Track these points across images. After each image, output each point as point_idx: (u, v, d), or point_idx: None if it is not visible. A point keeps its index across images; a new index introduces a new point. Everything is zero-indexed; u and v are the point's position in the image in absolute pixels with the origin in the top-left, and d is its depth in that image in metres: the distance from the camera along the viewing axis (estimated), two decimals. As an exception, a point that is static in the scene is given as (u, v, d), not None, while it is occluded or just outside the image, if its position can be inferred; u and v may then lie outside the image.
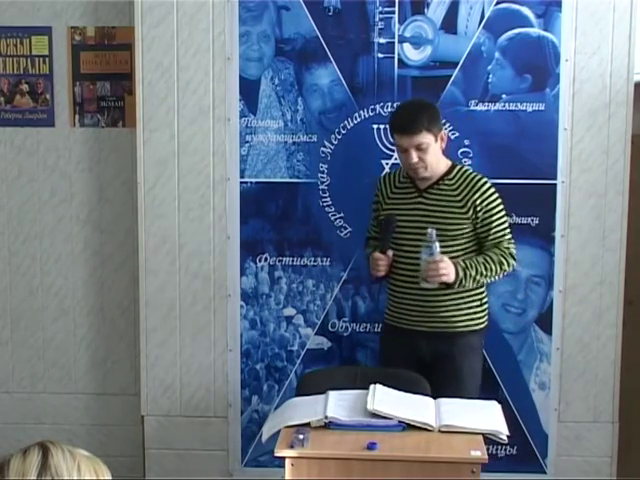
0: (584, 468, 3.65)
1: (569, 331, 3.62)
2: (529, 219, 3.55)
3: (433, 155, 3.12)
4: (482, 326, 3.27)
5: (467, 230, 3.17)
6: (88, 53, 3.81)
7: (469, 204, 3.15)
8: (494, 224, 3.18)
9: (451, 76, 3.52)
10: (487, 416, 2.77)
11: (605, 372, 3.62)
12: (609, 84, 3.49)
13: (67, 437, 3.84)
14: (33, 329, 3.96)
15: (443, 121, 3.26)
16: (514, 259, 3.20)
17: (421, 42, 3.52)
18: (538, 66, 3.50)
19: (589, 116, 3.51)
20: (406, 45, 3.53)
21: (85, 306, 3.94)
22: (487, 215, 3.16)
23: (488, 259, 3.14)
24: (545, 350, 3.63)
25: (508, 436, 2.72)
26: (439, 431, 2.63)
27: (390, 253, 3.20)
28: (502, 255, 3.16)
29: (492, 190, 3.19)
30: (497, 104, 3.52)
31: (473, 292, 3.21)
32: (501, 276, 3.20)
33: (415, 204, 3.21)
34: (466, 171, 3.23)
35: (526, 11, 3.48)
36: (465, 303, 3.21)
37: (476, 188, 3.16)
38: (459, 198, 3.16)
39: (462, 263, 3.10)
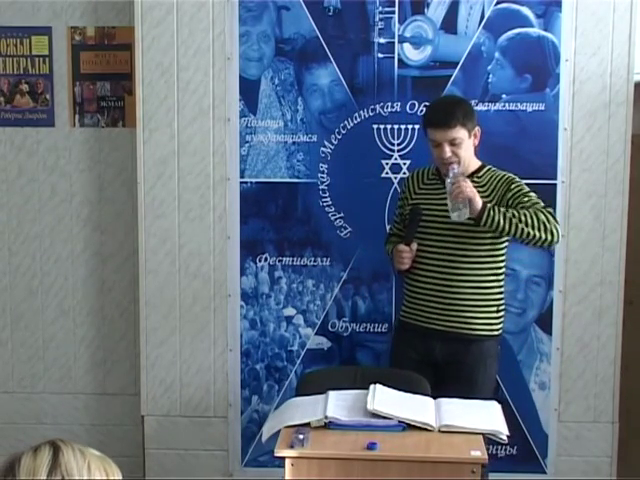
0: (584, 468, 3.66)
1: (569, 331, 3.62)
2: (529, 219, 3.54)
3: (466, 151, 3.10)
4: (497, 333, 3.21)
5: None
6: (88, 53, 3.81)
7: (496, 199, 3.10)
8: (521, 197, 3.07)
9: (451, 76, 3.52)
10: (487, 416, 2.77)
11: (605, 372, 3.62)
12: (609, 84, 3.49)
13: (67, 437, 3.83)
14: (33, 329, 3.96)
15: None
16: (556, 221, 3.03)
17: (421, 42, 3.52)
18: (538, 66, 3.51)
19: (589, 116, 3.51)
20: (406, 45, 3.53)
21: (85, 306, 3.94)
22: (513, 195, 3.08)
23: (521, 210, 3.01)
24: (545, 350, 3.63)
25: (508, 436, 2.72)
26: (439, 431, 2.63)
27: (414, 246, 3.17)
28: (539, 210, 3.02)
29: (518, 181, 3.14)
30: (497, 104, 3.53)
31: (491, 296, 3.16)
32: (542, 233, 2.98)
33: (443, 199, 3.12)
34: (495, 171, 3.20)
35: (526, 11, 3.48)
36: (483, 306, 3.15)
37: (502, 182, 3.13)
38: (487, 194, 3.11)
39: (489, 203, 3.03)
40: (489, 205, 2.99)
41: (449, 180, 3.01)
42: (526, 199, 3.07)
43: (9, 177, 3.89)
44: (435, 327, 3.17)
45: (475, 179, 3.14)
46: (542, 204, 3.07)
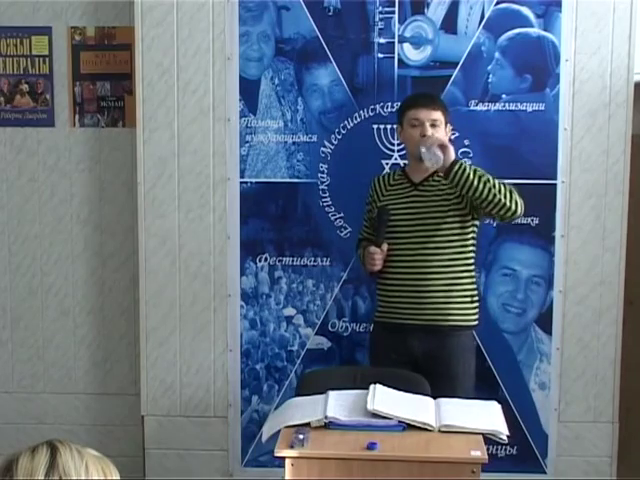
0: (584, 468, 3.65)
1: (569, 331, 3.62)
2: (529, 219, 3.55)
3: (442, 135, 3.17)
4: (473, 323, 3.26)
5: (464, 220, 3.19)
6: (88, 53, 3.81)
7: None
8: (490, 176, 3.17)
9: (451, 76, 3.52)
10: (487, 416, 2.77)
11: (605, 372, 3.62)
12: (609, 84, 3.49)
13: (67, 437, 3.83)
14: (33, 329, 3.96)
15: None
16: (519, 195, 3.13)
17: (421, 42, 3.52)
18: (538, 66, 3.50)
19: (589, 116, 3.51)
20: (406, 45, 3.53)
21: (85, 306, 3.94)
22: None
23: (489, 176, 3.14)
24: (545, 350, 3.63)
25: (508, 436, 2.72)
26: (439, 431, 2.63)
27: (385, 247, 3.21)
28: (504, 185, 3.13)
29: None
30: (497, 104, 3.53)
31: (464, 287, 3.21)
32: (507, 201, 3.09)
33: (410, 197, 3.24)
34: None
35: (526, 11, 3.48)
36: (456, 297, 3.20)
37: None
38: (453, 189, 3.17)
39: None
40: (461, 158, 3.12)
41: (423, 150, 3.10)
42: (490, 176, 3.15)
43: (9, 177, 3.89)
44: (411, 322, 3.21)
45: (437, 177, 3.22)
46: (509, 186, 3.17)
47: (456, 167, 3.07)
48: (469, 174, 3.07)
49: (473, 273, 3.27)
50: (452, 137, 3.28)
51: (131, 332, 3.90)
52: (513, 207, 3.10)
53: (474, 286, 3.27)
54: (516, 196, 3.11)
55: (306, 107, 3.58)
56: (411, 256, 3.19)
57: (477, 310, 3.29)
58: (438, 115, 3.17)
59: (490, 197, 3.08)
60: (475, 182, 3.07)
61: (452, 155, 3.09)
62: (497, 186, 3.09)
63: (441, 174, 3.18)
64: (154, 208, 3.65)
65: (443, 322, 3.19)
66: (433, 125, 3.15)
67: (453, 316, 3.20)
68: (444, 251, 3.18)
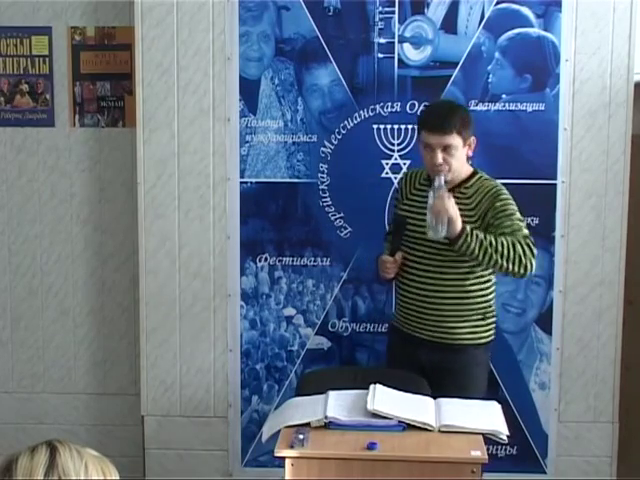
0: (584, 468, 3.66)
1: (569, 331, 3.62)
2: (529, 219, 3.54)
3: (458, 160, 3.01)
4: (484, 341, 3.13)
5: None
6: (88, 53, 3.81)
7: (480, 213, 3.02)
8: (504, 220, 2.98)
9: (451, 76, 3.52)
10: (487, 416, 2.77)
11: (605, 372, 3.62)
12: (609, 84, 3.50)
13: (67, 437, 3.82)
14: (33, 329, 3.96)
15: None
16: (532, 255, 2.93)
17: (421, 42, 3.52)
18: (538, 66, 3.51)
19: (589, 116, 3.51)
20: (406, 45, 3.53)
21: (85, 306, 3.94)
22: (496, 213, 3.00)
23: (500, 237, 2.92)
24: (545, 350, 3.63)
25: (508, 436, 2.72)
26: (439, 431, 2.63)
27: (399, 256, 3.13)
28: (518, 241, 2.92)
29: (504, 196, 3.04)
30: (497, 104, 3.53)
31: (475, 305, 3.10)
32: (515, 267, 2.91)
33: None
34: (484, 181, 3.10)
35: (526, 11, 3.48)
36: (466, 315, 3.10)
37: (488, 196, 3.04)
38: (472, 207, 3.04)
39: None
40: (468, 229, 2.89)
41: (432, 193, 2.91)
42: (507, 223, 2.97)
43: (9, 177, 3.89)
44: (419, 335, 3.14)
45: (463, 190, 3.07)
46: (524, 232, 2.97)
47: (460, 241, 2.88)
48: (473, 249, 2.88)
49: (489, 290, 3.13)
50: (474, 146, 3.09)
51: (131, 332, 3.90)
52: (521, 272, 2.93)
53: (488, 303, 3.14)
54: (528, 259, 2.91)
55: (306, 107, 3.58)
56: (423, 270, 3.09)
57: (491, 327, 3.16)
58: (452, 140, 2.97)
59: (496, 267, 2.94)
60: (480, 256, 2.90)
61: (458, 227, 2.87)
62: (506, 253, 2.89)
63: (464, 189, 3.07)
64: (154, 208, 3.65)
65: (452, 341, 3.10)
66: (445, 150, 2.97)
67: (463, 334, 3.10)
68: (456, 267, 3.06)
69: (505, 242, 2.91)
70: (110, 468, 1.42)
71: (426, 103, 3.44)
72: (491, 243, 2.90)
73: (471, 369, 3.11)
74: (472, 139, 3.06)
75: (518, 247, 2.91)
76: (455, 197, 3.00)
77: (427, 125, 3.01)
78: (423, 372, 3.11)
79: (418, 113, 3.49)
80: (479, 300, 3.11)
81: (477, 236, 2.90)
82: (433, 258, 3.08)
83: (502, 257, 2.90)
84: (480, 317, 3.12)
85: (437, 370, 3.09)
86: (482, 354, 3.15)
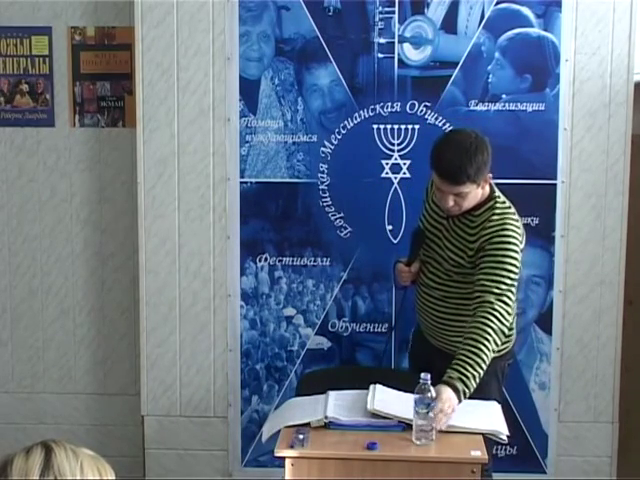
0: (584, 468, 3.66)
1: (569, 331, 3.62)
2: (529, 219, 3.54)
3: (471, 200, 2.87)
4: (499, 354, 2.94)
5: (469, 272, 2.92)
6: (88, 53, 3.81)
7: (477, 247, 2.88)
8: (488, 263, 2.81)
9: (451, 76, 3.51)
10: (487, 416, 2.77)
11: (605, 372, 3.62)
12: (609, 84, 3.49)
13: (67, 437, 3.80)
14: (33, 329, 3.96)
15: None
16: (503, 317, 2.75)
17: (421, 42, 3.52)
18: (538, 66, 3.50)
19: (589, 116, 3.51)
20: (406, 45, 3.53)
21: (85, 306, 3.94)
22: (486, 259, 2.81)
23: (475, 348, 2.71)
24: (545, 350, 3.63)
25: (508, 436, 2.72)
26: (439, 431, 2.63)
27: (415, 267, 3.09)
28: (486, 324, 2.73)
29: (504, 234, 2.83)
30: (497, 104, 3.53)
31: None
32: (499, 341, 2.78)
33: (440, 225, 3.04)
34: (496, 209, 2.90)
35: (526, 11, 3.48)
36: None
37: (489, 233, 2.86)
38: (473, 239, 2.91)
39: (454, 376, 2.68)
40: (462, 393, 2.66)
41: (426, 409, 2.58)
42: (485, 269, 2.79)
43: (9, 177, 3.89)
44: (432, 342, 3.14)
45: (471, 217, 2.93)
46: (501, 288, 2.76)
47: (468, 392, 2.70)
48: (480, 378, 2.72)
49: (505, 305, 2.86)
50: (490, 180, 2.91)
51: (131, 332, 3.90)
52: (502, 339, 2.80)
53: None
54: (500, 326, 2.74)
55: (306, 107, 3.58)
56: (435, 283, 3.04)
57: (507, 340, 3.00)
58: (463, 189, 2.80)
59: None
60: (484, 368, 2.73)
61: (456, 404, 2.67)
62: (491, 346, 2.72)
63: (473, 217, 2.90)
64: (154, 208, 3.65)
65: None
66: (457, 195, 2.83)
67: None
68: (462, 285, 2.96)
69: (483, 341, 2.71)
70: (106, 467, 1.42)
71: (427, 103, 3.44)
72: (478, 364, 2.70)
73: (482, 378, 2.84)
74: (488, 176, 2.88)
75: (490, 324, 2.73)
76: (463, 222, 2.94)
77: (438, 171, 2.84)
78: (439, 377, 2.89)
79: (420, 113, 3.49)
80: None
81: (471, 386, 2.69)
82: (437, 274, 3.04)
83: (491, 351, 2.73)
84: None
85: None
86: (495, 365, 2.95)
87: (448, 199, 2.85)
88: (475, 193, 2.87)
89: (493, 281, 2.79)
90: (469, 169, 2.77)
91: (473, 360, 2.70)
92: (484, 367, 2.72)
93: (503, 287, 2.79)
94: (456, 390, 2.66)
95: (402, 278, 3.15)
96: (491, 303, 2.76)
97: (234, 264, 3.66)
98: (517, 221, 2.93)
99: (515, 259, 2.82)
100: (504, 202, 2.96)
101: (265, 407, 3.70)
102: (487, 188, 2.91)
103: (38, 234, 3.91)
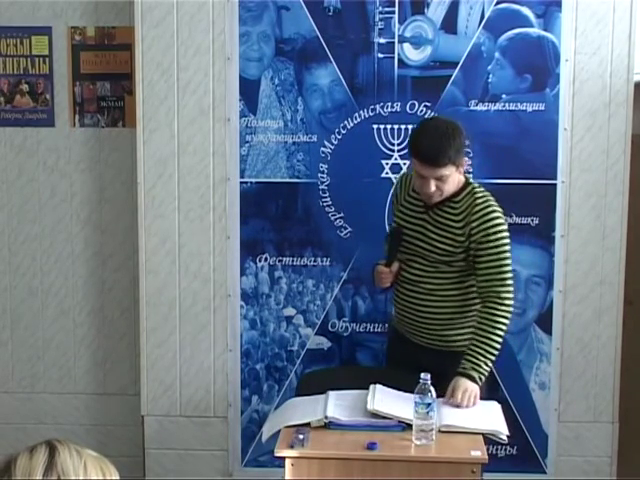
0: (584, 468, 3.66)
1: (569, 331, 3.62)
2: (529, 219, 3.55)
3: (451, 184, 2.95)
4: None
5: (461, 258, 3.00)
6: (88, 53, 3.81)
7: (468, 231, 2.96)
8: (486, 257, 2.94)
9: (451, 76, 3.51)
10: (487, 416, 2.78)
11: (605, 372, 3.62)
12: (609, 84, 3.49)
13: (67, 437, 3.82)
14: (33, 329, 3.96)
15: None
16: (508, 304, 2.95)
17: (421, 42, 3.52)
18: (538, 66, 3.50)
19: (589, 116, 3.51)
20: (406, 45, 3.53)
21: (85, 306, 3.94)
22: (481, 247, 2.94)
23: (484, 336, 2.90)
24: (545, 350, 3.63)
25: (508, 436, 2.72)
26: (439, 431, 2.63)
27: (394, 267, 3.11)
28: (492, 315, 2.92)
29: (495, 220, 2.95)
30: (497, 104, 3.52)
31: (471, 313, 3.07)
32: (507, 321, 2.96)
33: (420, 220, 3.06)
34: (475, 194, 3.00)
35: (526, 11, 3.48)
36: (461, 323, 3.08)
37: (477, 217, 2.95)
38: (461, 224, 2.97)
39: (467, 364, 2.88)
40: (476, 376, 2.86)
41: (426, 409, 2.59)
42: (488, 261, 2.94)
43: (9, 177, 3.89)
44: (418, 342, 3.14)
45: (452, 204, 3.00)
46: (504, 270, 2.95)
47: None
48: (487, 369, 2.91)
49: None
50: (468, 166, 3.03)
51: (131, 332, 3.90)
52: (508, 318, 2.98)
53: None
54: (505, 311, 2.95)
55: (306, 107, 3.58)
56: (416, 281, 3.08)
57: None
58: (445, 171, 2.88)
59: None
60: (498, 350, 2.93)
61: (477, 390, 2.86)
62: (500, 330, 2.92)
63: (454, 203, 3.00)
64: (154, 208, 3.65)
65: (446, 348, 3.08)
66: (439, 179, 2.90)
67: (457, 342, 3.07)
68: (450, 278, 3.03)
69: (491, 324, 2.91)
70: (110, 468, 1.42)
71: (427, 103, 3.44)
72: (490, 345, 2.90)
73: None
74: (464, 160, 2.99)
75: (498, 312, 2.93)
76: (445, 211, 3.01)
77: (419, 156, 2.92)
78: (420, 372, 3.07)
79: (420, 113, 3.49)
80: (475, 307, 3.07)
81: (482, 367, 2.88)
82: (424, 269, 3.07)
83: (500, 337, 2.92)
84: (473, 323, 3.06)
85: (436, 372, 3.05)
86: None
87: (430, 184, 2.92)
88: (454, 177, 2.95)
89: (495, 267, 2.96)
90: (449, 150, 2.88)
91: (483, 349, 2.90)
92: (495, 352, 2.91)
93: (502, 276, 2.97)
94: (472, 378, 2.86)
95: (382, 280, 3.14)
96: (497, 292, 2.96)
97: (234, 264, 3.66)
98: (497, 202, 3.04)
99: (506, 238, 2.99)
100: (480, 186, 3.08)
101: (265, 407, 3.70)
102: (462, 175, 3.01)
103: (38, 234, 3.91)
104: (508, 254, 2.99)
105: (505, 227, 2.99)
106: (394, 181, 3.56)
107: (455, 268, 3.03)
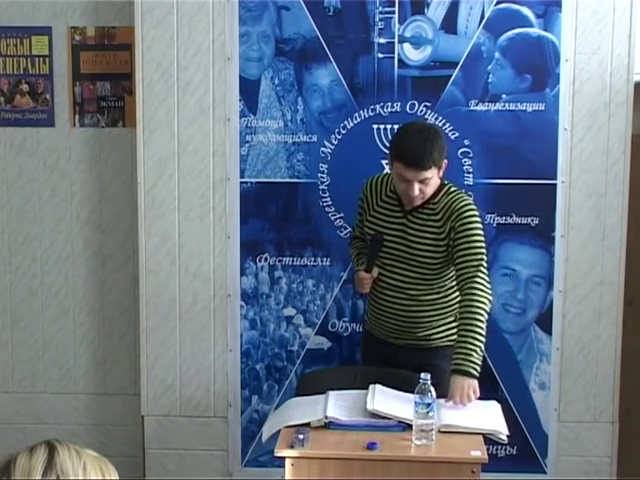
0: (584, 468, 3.66)
1: (569, 331, 3.62)
2: (529, 219, 3.55)
3: (432, 186, 2.99)
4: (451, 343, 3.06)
5: (444, 258, 3.04)
6: (88, 53, 3.81)
7: (447, 230, 3.01)
8: (462, 245, 2.98)
9: (451, 76, 3.51)
10: (487, 416, 2.78)
11: (605, 372, 3.62)
12: (609, 84, 3.49)
13: (67, 437, 3.81)
14: (33, 329, 3.96)
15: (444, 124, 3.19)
16: (485, 289, 2.94)
17: (421, 42, 3.52)
18: (538, 66, 3.50)
19: (589, 116, 3.51)
20: (406, 45, 3.53)
21: (85, 306, 3.94)
22: (459, 236, 2.98)
23: (468, 325, 2.90)
24: (545, 350, 3.63)
25: (508, 436, 2.72)
26: (439, 431, 2.63)
27: (375, 273, 3.13)
28: (472, 302, 2.92)
29: (470, 213, 3.01)
30: (497, 104, 3.52)
31: (450, 308, 3.11)
32: (488, 309, 2.95)
33: (399, 225, 3.09)
34: (451, 193, 3.06)
35: (526, 11, 3.48)
36: (441, 320, 3.12)
37: (454, 215, 3.00)
38: (440, 224, 3.02)
39: (458, 359, 2.86)
40: (472, 370, 2.84)
41: (426, 409, 2.60)
42: (464, 249, 2.96)
43: (9, 177, 3.89)
44: (395, 342, 3.16)
45: (431, 206, 3.04)
46: (479, 257, 2.96)
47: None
48: (481, 353, 2.90)
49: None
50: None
51: (131, 332, 3.90)
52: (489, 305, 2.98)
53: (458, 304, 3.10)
54: (485, 297, 2.93)
55: (306, 107, 3.58)
56: (396, 281, 3.10)
57: None
58: (428, 174, 2.92)
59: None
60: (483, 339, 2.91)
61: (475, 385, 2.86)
62: (482, 317, 2.91)
63: (433, 205, 3.04)
64: (154, 208, 3.65)
65: (426, 344, 3.12)
66: (422, 182, 2.94)
67: (437, 339, 3.12)
68: (429, 278, 3.07)
69: (475, 312, 2.90)
70: (109, 468, 1.42)
71: (427, 103, 3.44)
72: (475, 338, 2.87)
73: (447, 366, 2.98)
74: (445, 162, 3.00)
75: (480, 308, 2.91)
76: (424, 213, 3.05)
77: (403, 160, 2.93)
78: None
79: (420, 113, 3.50)
80: (454, 302, 3.11)
81: (475, 358, 2.86)
82: (406, 274, 3.09)
83: (483, 323, 2.91)
84: (453, 319, 3.12)
85: (417, 369, 3.01)
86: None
87: (414, 187, 2.94)
88: (435, 179, 2.99)
89: (470, 254, 2.97)
90: (434, 153, 2.91)
91: (470, 339, 2.87)
92: (482, 338, 2.89)
93: (477, 263, 2.97)
94: (467, 373, 2.83)
95: (364, 285, 3.16)
96: (473, 278, 2.94)
97: (234, 264, 3.66)
98: (469, 196, 3.16)
99: (481, 229, 3.03)
100: (453, 185, 3.13)
101: (265, 407, 3.70)
102: (437, 180, 3.04)
103: (38, 234, 3.91)
104: (483, 244, 3.01)
105: (479, 219, 3.04)
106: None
107: (436, 272, 3.07)
